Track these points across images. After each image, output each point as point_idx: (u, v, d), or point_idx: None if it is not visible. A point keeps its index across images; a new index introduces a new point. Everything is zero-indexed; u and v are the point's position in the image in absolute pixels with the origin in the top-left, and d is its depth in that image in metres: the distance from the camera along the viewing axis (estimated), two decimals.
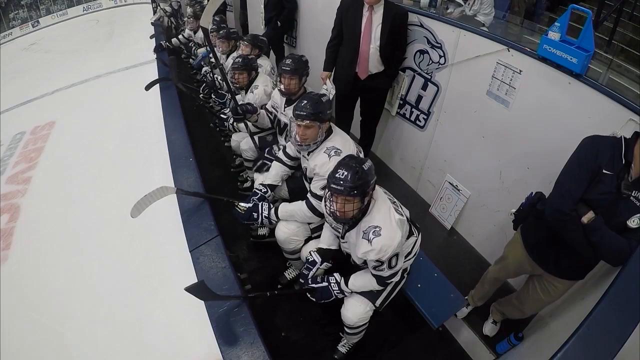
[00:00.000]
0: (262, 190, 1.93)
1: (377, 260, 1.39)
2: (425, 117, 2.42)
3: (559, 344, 0.94)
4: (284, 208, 1.82)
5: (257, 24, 4.14)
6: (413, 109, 2.50)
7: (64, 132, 3.84)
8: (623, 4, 3.36)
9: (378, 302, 1.59)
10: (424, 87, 2.36)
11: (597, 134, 1.29)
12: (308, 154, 1.77)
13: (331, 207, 1.35)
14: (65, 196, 2.99)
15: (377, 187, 1.47)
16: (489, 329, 1.91)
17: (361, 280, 1.54)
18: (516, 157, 1.88)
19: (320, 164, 1.68)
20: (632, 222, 1.18)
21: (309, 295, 1.58)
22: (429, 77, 2.30)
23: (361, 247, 1.39)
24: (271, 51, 3.96)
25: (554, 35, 1.56)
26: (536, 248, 1.52)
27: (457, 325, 2.02)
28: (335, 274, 1.59)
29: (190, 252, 1.45)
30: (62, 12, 8.93)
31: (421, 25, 2.21)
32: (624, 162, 1.19)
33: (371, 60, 2.29)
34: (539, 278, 1.58)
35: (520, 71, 1.75)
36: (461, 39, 2.02)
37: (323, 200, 1.43)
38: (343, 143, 1.74)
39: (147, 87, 2.41)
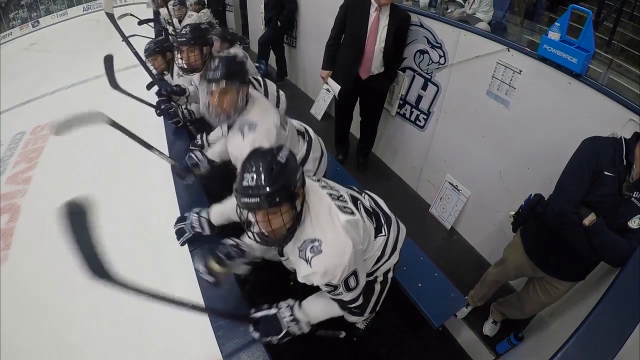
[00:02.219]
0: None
1: (327, 285, 1.04)
2: (425, 117, 2.42)
3: (559, 344, 0.94)
4: (216, 209, 1.42)
5: (257, 24, 4.15)
6: (413, 109, 2.50)
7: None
8: (623, 4, 3.36)
9: (365, 314, 1.31)
10: (424, 87, 2.36)
11: (597, 135, 1.29)
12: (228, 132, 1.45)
13: (254, 229, 0.99)
14: (65, 196, 2.99)
15: (308, 180, 1.10)
16: (489, 329, 1.91)
17: (319, 306, 1.17)
18: (516, 157, 1.88)
19: (236, 147, 1.36)
20: (633, 223, 1.19)
21: (251, 332, 1.12)
22: (429, 77, 2.30)
23: (301, 270, 1.04)
24: (271, 51, 3.96)
25: (554, 35, 1.55)
26: (536, 251, 1.52)
27: (457, 325, 2.02)
28: (289, 299, 1.18)
29: (190, 252, 1.45)
30: (62, 12, 8.93)
31: (421, 25, 2.21)
32: (625, 163, 1.19)
33: (374, 61, 2.29)
34: (540, 280, 1.58)
35: (520, 71, 1.75)
36: (461, 39, 2.02)
37: (240, 219, 1.03)
38: (261, 112, 1.39)
39: (148, 87, 2.41)
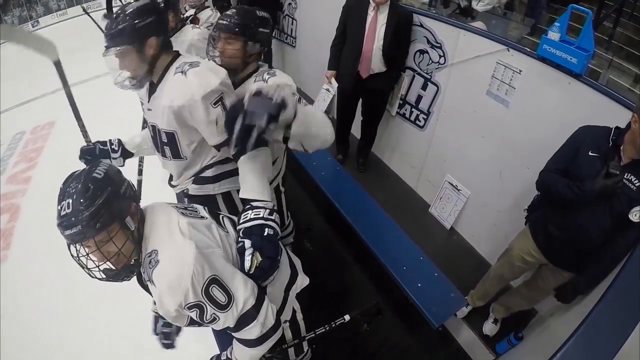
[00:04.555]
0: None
1: (188, 308, 0.85)
2: (425, 117, 2.42)
3: (559, 343, 0.94)
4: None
5: None
6: (413, 109, 2.50)
7: (64, 132, 3.83)
8: (623, 4, 3.36)
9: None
10: (424, 87, 2.36)
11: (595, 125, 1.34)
12: (151, 91, 1.25)
13: (92, 268, 0.86)
14: None
15: (151, 204, 0.98)
16: (488, 328, 1.91)
17: (237, 349, 1.03)
18: (516, 157, 1.88)
19: (179, 93, 1.14)
20: (634, 216, 1.20)
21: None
22: (429, 77, 2.30)
23: (157, 301, 0.88)
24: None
25: (553, 35, 1.55)
26: (543, 237, 1.51)
27: (457, 325, 2.02)
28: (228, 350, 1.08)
29: None
30: (62, 12, 8.92)
31: (421, 25, 2.21)
32: (610, 144, 1.25)
33: (374, 60, 2.29)
34: (546, 270, 1.58)
35: (520, 71, 1.75)
36: (461, 39, 2.02)
37: (76, 261, 0.86)
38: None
39: None
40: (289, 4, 3.59)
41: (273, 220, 1.01)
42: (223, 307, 0.88)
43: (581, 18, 1.49)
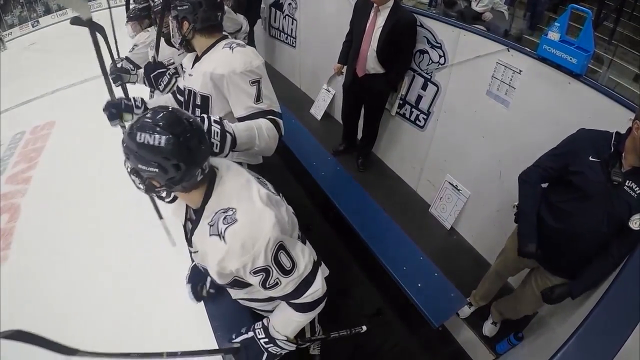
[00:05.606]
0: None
1: (253, 273, 0.88)
2: (425, 117, 2.42)
3: (559, 344, 0.94)
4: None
5: None
6: (413, 109, 2.50)
7: (64, 132, 3.84)
8: (623, 4, 3.36)
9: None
10: (424, 87, 2.36)
11: (594, 128, 1.33)
12: (195, 60, 1.43)
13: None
14: (65, 196, 3.00)
15: (225, 161, 1.03)
16: (488, 329, 1.91)
17: (280, 315, 1.06)
18: (516, 157, 1.87)
19: (222, 63, 1.30)
20: (634, 224, 1.19)
21: None
22: (429, 77, 2.30)
23: (214, 254, 0.89)
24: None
25: (553, 35, 1.56)
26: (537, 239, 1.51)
27: (457, 325, 2.02)
28: (265, 318, 1.10)
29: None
30: (62, 12, 8.91)
31: (421, 25, 2.21)
32: (612, 150, 1.24)
33: (369, 60, 2.32)
34: (536, 274, 1.58)
35: (520, 71, 1.75)
36: (461, 39, 2.02)
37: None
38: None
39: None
40: (289, 4, 3.59)
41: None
42: (287, 272, 0.92)
43: (581, 18, 1.49)
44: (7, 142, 4.02)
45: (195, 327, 1.50)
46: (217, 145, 1.11)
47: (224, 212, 0.87)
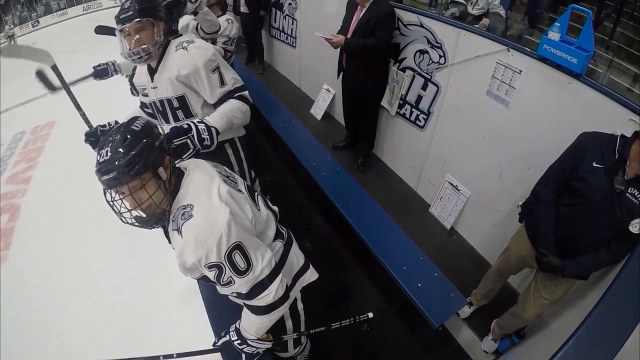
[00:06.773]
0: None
1: (207, 267, 0.91)
2: (425, 117, 2.42)
3: (559, 343, 0.94)
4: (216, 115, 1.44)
5: None
6: (413, 109, 2.50)
7: (64, 132, 3.83)
8: (623, 4, 3.36)
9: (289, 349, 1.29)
10: (424, 87, 2.36)
11: (597, 131, 1.31)
12: (152, 73, 1.49)
13: (124, 212, 0.91)
14: (65, 196, 2.99)
15: (194, 160, 1.07)
16: (488, 345, 1.86)
17: (244, 316, 1.08)
18: (516, 157, 1.88)
19: (183, 65, 1.43)
20: (634, 228, 1.19)
21: None
22: (429, 77, 2.30)
23: (176, 247, 0.94)
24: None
25: (553, 35, 1.55)
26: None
27: (457, 325, 2.02)
28: (237, 321, 1.14)
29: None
30: (62, 12, 8.91)
31: (421, 25, 2.21)
32: (617, 157, 1.21)
33: (346, 54, 2.41)
34: (541, 275, 1.57)
35: (520, 71, 1.75)
36: (461, 39, 2.02)
37: (110, 207, 0.92)
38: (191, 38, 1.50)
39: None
40: (289, 4, 3.60)
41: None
42: (241, 273, 0.94)
43: (581, 18, 1.49)
44: (7, 142, 4.02)
45: (196, 328, 1.50)
46: (207, 139, 1.31)
47: (183, 209, 0.92)
